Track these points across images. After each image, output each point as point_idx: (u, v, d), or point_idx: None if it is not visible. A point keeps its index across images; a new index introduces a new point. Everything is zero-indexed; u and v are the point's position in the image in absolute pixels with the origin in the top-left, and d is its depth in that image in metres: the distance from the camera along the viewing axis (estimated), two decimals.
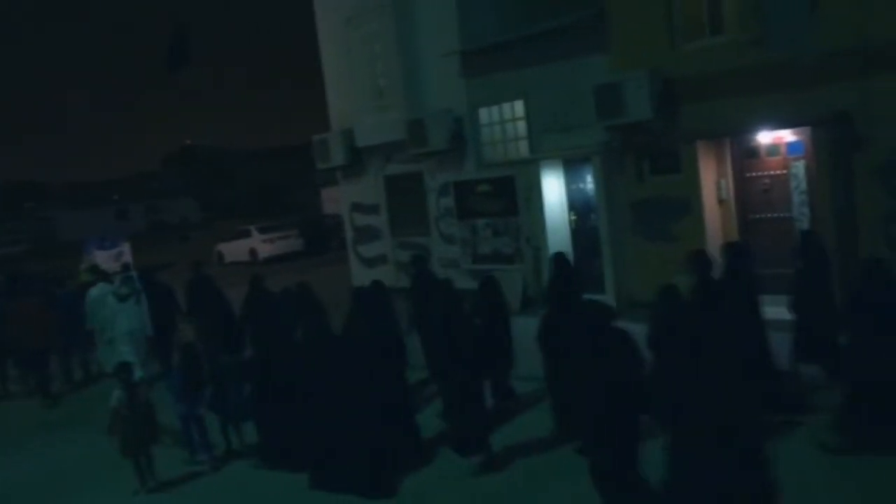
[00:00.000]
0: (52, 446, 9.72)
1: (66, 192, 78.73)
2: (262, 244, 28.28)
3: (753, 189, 11.18)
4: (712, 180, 11.33)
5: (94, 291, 11.98)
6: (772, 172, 10.97)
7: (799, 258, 7.97)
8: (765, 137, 10.90)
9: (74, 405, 11.41)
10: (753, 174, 11.17)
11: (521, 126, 13.66)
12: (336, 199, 32.12)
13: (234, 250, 29.19)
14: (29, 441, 10.09)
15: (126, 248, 26.87)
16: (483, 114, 14.18)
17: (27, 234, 52.79)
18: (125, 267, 14.63)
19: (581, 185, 13.19)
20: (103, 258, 25.46)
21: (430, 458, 7.48)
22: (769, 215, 11.03)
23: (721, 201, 11.35)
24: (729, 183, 11.32)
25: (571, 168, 13.23)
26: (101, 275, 12.84)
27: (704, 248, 9.10)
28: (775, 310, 7.89)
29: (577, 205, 13.30)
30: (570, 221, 13.33)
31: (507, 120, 13.91)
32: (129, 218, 57.23)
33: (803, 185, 10.51)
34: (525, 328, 9.51)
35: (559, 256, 8.35)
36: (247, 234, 29.14)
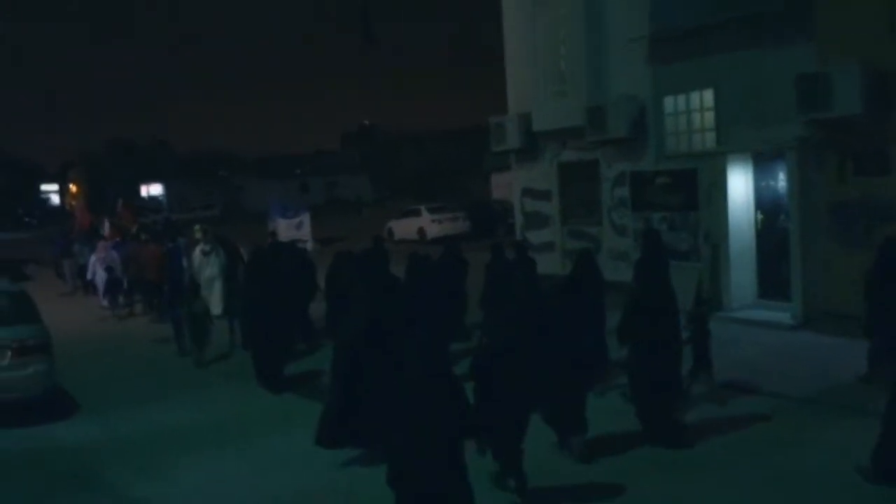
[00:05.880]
0: (232, 396, 10.44)
1: (254, 163, 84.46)
2: (430, 224, 28.91)
3: None
4: None
5: (197, 248, 15.28)
6: None
7: None
8: None
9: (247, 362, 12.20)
10: None
11: (709, 116, 12.94)
12: (505, 186, 32.16)
13: (403, 228, 30.07)
14: (208, 391, 10.83)
15: (306, 218, 28.35)
16: (668, 102, 13.57)
17: (220, 200, 57.25)
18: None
19: (771, 183, 12.31)
20: (285, 226, 27.04)
21: None
22: None
23: None
24: None
25: (762, 163, 12.38)
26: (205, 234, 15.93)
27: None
28: None
29: (766, 203, 12.43)
30: (757, 220, 12.49)
31: (693, 109, 13.22)
32: (309, 191, 60.52)
33: None
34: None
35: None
36: (416, 214, 29.90)
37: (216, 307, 13.89)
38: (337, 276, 11.96)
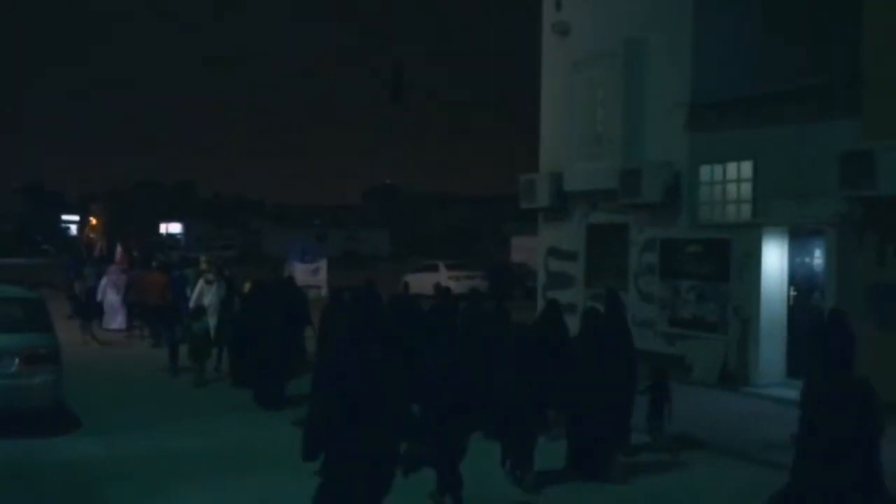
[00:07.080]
0: (236, 426, 10.08)
1: (274, 211, 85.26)
2: (447, 280, 28.62)
3: None
4: None
5: (201, 278, 16.09)
6: None
7: None
8: None
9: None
10: None
11: (746, 188, 12.77)
12: (525, 249, 31.89)
13: (419, 282, 29.81)
14: (212, 419, 10.51)
15: (323, 265, 28.23)
16: (704, 171, 13.44)
17: (239, 242, 57.49)
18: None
19: (807, 259, 12.07)
20: (301, 270, 26.90)
21: None
22: None
23: None
24: None
25: (798, 239, 12.16)
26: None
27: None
28: None
29: (800, 280, 12.16)
30: (790, 297, 12.19)
31: (730, 180, 13.07)
32: (327, 242, 60.66)
33: None
34: (724, 403, 9.19)
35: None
36: (434, 269, 29.75)
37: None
38: (330, 316, 11.96)
